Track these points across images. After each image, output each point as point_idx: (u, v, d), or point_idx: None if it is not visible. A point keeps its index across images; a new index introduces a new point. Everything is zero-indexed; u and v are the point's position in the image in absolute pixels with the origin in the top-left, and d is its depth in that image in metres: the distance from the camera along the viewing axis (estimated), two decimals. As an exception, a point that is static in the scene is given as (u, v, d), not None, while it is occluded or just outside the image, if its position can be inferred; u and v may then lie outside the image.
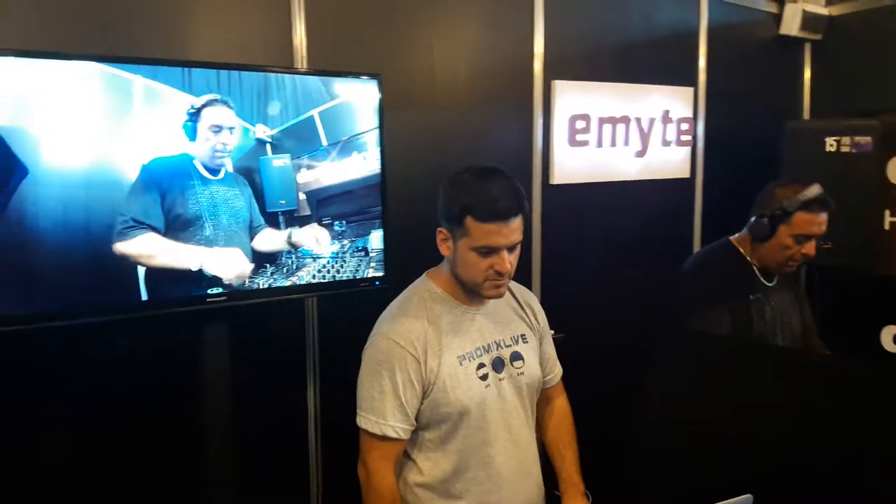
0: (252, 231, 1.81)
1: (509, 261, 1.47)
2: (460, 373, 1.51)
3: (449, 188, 1.49)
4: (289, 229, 1.85)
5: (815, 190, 1.98)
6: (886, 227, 2.95)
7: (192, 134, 1.70)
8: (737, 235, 2.18)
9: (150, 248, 1.66)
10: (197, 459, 1.94)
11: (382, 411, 1.48)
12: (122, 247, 1.62)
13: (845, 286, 3.07)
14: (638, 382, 1.65)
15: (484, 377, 1.54)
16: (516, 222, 1.46)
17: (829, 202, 1.99)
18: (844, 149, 2.82)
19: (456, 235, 1.48)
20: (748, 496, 1.11)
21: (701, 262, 2.23)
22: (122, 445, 1.96)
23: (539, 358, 1.68)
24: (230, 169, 1.76)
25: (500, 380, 1.57)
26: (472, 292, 1.54)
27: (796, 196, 1.98)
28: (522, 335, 1.64)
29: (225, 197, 1.75)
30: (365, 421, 1.50)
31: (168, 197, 1.67)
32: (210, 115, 1.71)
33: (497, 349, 1.58)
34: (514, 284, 1.70)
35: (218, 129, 1.72)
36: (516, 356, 1.60)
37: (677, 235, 3.22)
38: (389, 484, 1.51)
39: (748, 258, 2.12)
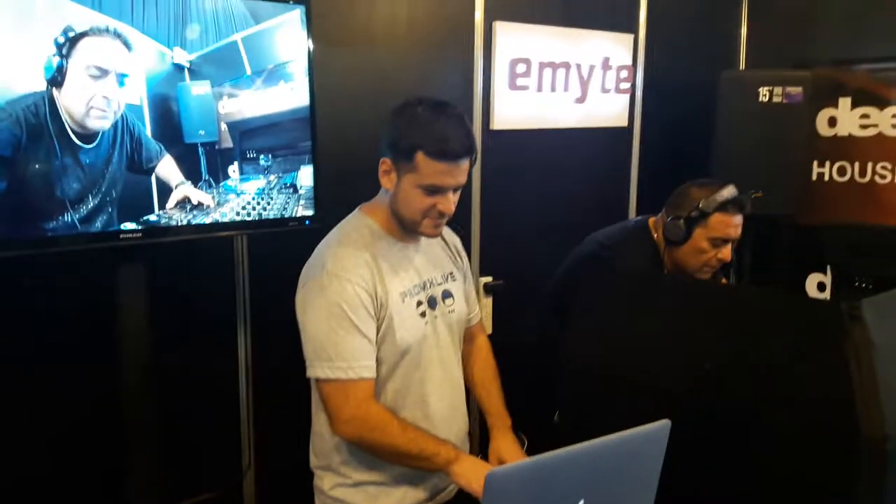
0: (147, 167, 1.62)
1: (453, 202, 1.46)
2: (404, 310, 1.49)
3: (399, 119, 1.44)
4: (181, 186, 1.68)
5: (731, 190, 1.88)
6: (814, 177, 3.05)
7: (58, 77, 1.23)
8: (656, 219, 2.02)
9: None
10: (116, 413, 1.83)
11: (353, 353, 1.40)
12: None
13: (773, 235, 3.16)
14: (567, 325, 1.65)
15: (423, 314, 1.53)
16: (466, 164, 1.44)
17: (745, 204, 1.89)
18: (777, 99, 2.87)
19: (401, 169, 1.43)
20: (666, 421, 1.13)
21: (610, 250, 2.01)
22: (31, 401, 1.84)
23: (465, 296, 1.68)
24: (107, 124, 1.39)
25: (434, 317, 1.56)
26: (407, 229, 1.51)
27: (713, 196, 1.85)
28: (451, 273, 1.64)
29: (103, 169, 1.39)
30: (334, 370, 1.40)
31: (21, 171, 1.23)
32: (88, 51, 1.21)
33: (430, 287, 1.57)
34: None
35: (100, 73, 1.26)
36: (447, 294, 1.60)
37: (614, 185, 3.22)
38: (378, 411, 1.44)
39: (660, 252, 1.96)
